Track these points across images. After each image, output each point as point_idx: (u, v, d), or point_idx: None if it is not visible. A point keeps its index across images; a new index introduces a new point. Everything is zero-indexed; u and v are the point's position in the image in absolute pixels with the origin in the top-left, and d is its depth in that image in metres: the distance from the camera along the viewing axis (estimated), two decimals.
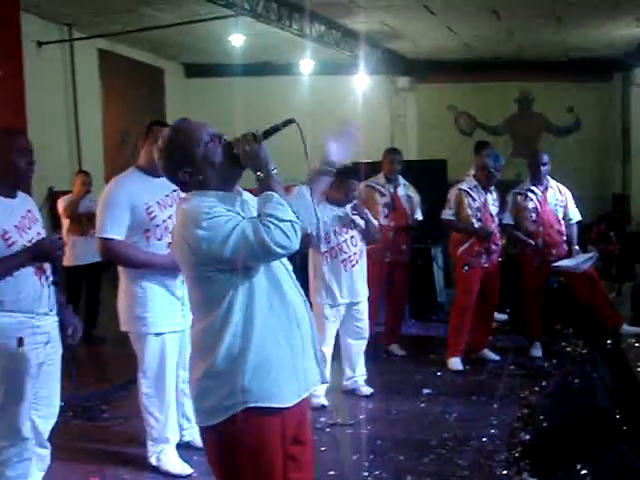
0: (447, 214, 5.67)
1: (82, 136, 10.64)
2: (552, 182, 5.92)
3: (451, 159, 9.03)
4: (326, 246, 4.79)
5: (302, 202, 2.29)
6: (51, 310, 3.08)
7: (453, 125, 14.09)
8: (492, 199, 5.71)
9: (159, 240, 3.56)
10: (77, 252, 6.52)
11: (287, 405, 2.14)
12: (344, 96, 12.07)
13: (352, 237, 4.86)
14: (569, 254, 5.84)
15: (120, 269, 3.70)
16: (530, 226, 5.82)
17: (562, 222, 5.87)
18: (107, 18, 9.74)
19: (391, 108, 14.08)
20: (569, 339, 6.30)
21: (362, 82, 12.35)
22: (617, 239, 8.69)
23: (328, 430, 4.37)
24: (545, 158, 5.82)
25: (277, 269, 2.19)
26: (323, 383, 2.37)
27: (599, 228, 9.01)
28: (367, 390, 5.02)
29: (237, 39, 10.11)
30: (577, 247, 5.92)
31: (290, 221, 2.05)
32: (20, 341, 2.94)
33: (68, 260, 6.43)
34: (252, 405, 2.09)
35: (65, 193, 6.96)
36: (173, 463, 3.73)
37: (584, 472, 3.10)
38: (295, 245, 2.06)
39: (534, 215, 5.81)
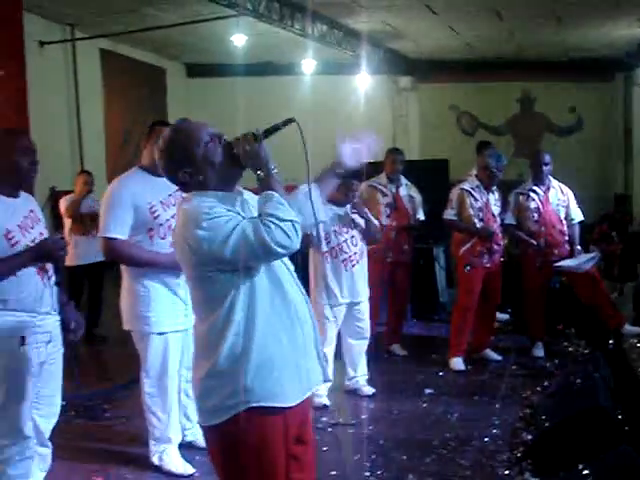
0: (449, 214, 5.67)
1: (84, 136, 10.65)
2: (554, 182, 5.91)
3: (453, 159, 9.04)
4: (326, 246, 4.79)
5: (305, 201, 2.29)
6: (54, 310, 3.09)
7: (455, 125, 14.08)
8: (494, 199, 5.71)
9: (162, 239, 3.57)
10: (79, 252, 6.52)
11: (290, 405, 2.14)
12: (346, 96, 12.08)
13: (352, 237, 4.86)
14: (571, 254, 5.84)
15: (123, 268, 3.71)
16: (532, 226, 5.82)
17: (564, 222, 5.87)
18: (109, 18, 9.75)
19: (393, 108, 14.08)
20: (571, 339, 6.30)
21: (364, 82, 12.35)
22: (619, 239, 8.69)
23: (330, 430, 4.37)
24: (547, 158, 5.82)
25: (278, 269, 2.19)
26: (326, 382, 2.37)
27: (601, 228, 9.01)
28: (369, 390, 5.02)
29: (239, 39, 10.12)
30: (579, 247, 5.92)
31: (291, 221, 2.05)
32: (22, 340, 2.94)
33: (70, 260, 6.43)
34: (255, 405, 2.09)
35: (67, 193, 6.97)
36: (175, 463, 3.73)
37: (586, 472, 3.10)
38: (296, 245, 2.06)
39: (536, 215, 5.81)
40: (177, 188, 2.30)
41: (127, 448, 4.07)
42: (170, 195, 3.56)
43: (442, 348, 5.91)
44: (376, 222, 5.08)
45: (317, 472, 2.38)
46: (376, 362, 5.42)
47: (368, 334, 5.04)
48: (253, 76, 12.61)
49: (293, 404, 2.15)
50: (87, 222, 6.56)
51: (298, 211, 2.17)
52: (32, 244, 2.98)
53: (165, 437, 3.75)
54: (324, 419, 4.51)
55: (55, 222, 7.47)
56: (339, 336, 4.98)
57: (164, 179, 2.30)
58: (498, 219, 5.73)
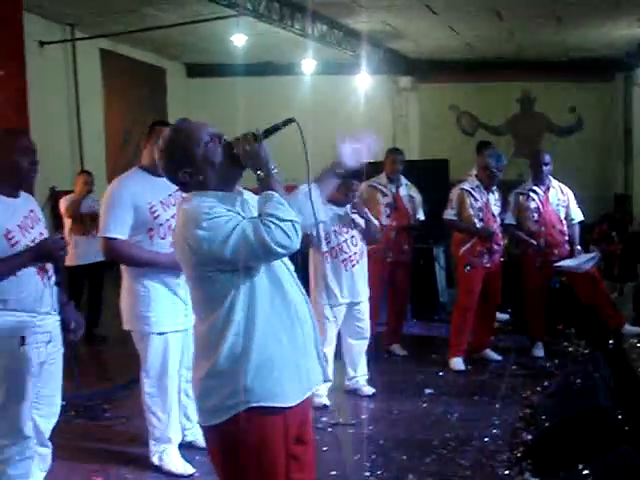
0: (449, 214, 5.67)
1: (84, 136, 10.65)
2: (554, 182, 5.91)
3: (453, 159, 9.04)
4: (326, 246, 4.79)
5: (305, 201, 2.30)
6: (54, 310, 3.09)
7: (455, 125, 14.09)
8: (494, 199, 5.71)
9: (162, 239, 3.57)
10: (79, 252, 6.52)
11: (290, 405, 2.14)
12: (346, 96, 12.08)
13: (352, 237, 4.86)
14: (571, 254, 5.84)
15: (123, 268, 3.71)
16: (532, 226, 5.82)
17: (564, 222, 5.87)
18: (109, 18, 9.75)
19: (393, 108, 14.08)
20: (571, 339, 6.30)
21: (364, 82, 12.35)
22: (619, 239, 8.69)
23: (330, 430, 4.37)
24: (547, 158, 5.82)
25: (278, 269, 2.19)
26: (326, 382, 2.37)
27: (601, 228, 9.01)
28: (369, 390, 5.02)
29: (239, 39, 10.12)
30: (579, 247, 5.92)
31: (291, 220, 2.05)
32: (22, 340, 2.94)
33: (70, 260, 6.42)
34: (255, 405, 2.09)
35: (67, 193, 6.97)
36: (175, 463, 3.73)
37: (586, 472, 3.11)
38: (296, 244, 2.06)
39: (536, 215, 5.81)
40: (177, 188, 2.30)
41: (127, 448, 4.07)
42: (170, 195, 3.57)
43: (442, 348, 5.91)
44: (376, 222, 5.08)
45: (317, 472, 2.38)
46: (376, 362, 5.42)
47: (368, 334, 5.04)
48: (253, 76, 12.62)
49: (293, 404, 2.15)
50: (87, 222, 6.56)
51: (298, 211, 2.17)
52: (32, 244, 2.98)
53: (165, 437, 3.75)
54: (324, 419, 4.51)
55: (55, 222, 7.47)
56: (339, 336, 4.98)
57: (164, 179, 2.30)
58: (498, 219, 5.73)
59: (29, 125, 6.68)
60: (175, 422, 3.79)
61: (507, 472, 3.70)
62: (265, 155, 2.15)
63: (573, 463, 3.24)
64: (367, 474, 3.73)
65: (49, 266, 3.06)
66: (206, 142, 2.17)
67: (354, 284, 4.86)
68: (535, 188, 5.84)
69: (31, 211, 3.11)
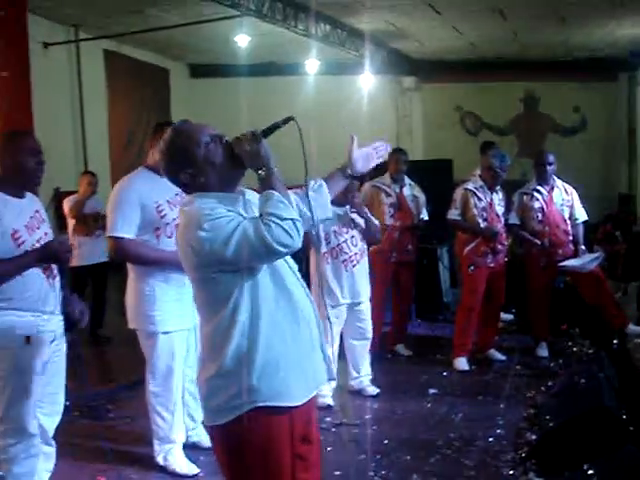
0: (453, 214, 5.67)
1: (88, 136, 10.67)
2: (558, 182, 5.91)
3: (457, 159, 9.04)
4: (326, 246, 4.78)
5: (316, 198, 2.33)
6: (58, 310, 3.10)
7: (459, 125, 14.08)
8: (498, 199, 5.71)
9: (169, 238, 3.57)
10: (83, 252, 6.53)
11: (296, 404, 2.14)
12: (350, 96, 12.09)
13: (352, 237, 4.85)
14: (575, 254, 5.82)
15: (129, 267, 3.71)
16: (536, 226, 5.81)
17: (568, 222, 5.86)
18: (113, 19, 9.77)
19: (397, 108, 14.08)
20: (575, 339, 6.29)
21: (368, 82, 12.35)
22: (623, 239, 8.66)
23: (334, 430, 4.37)
24: (551, 158, 5.81)
25: (282, 268, 2.19)
26: (331, 380, 2.37)
27: (605, 228, 8.98)
28: (373, 390, 5.02)
29: (242, 39, 10.13)
30: (583, 247, 5.90)
31: (292, 219, 2.04)
32: (26, 340, 2.95)
33: (74, 260, 6.44)
34: (261, 404, 2.09)
35: (71, 193, 6.97)
36: (180, 463, 3.74)
37: (591, 472, 3.10)
38: (297, 243, 2.06)
39: (540, 215, 5.80)
40: None
41: (132, 448, 4.07)
42: (177, 194, 3.56)
43: (446, 348, 5.91)
44: (376, 222, 5.06)
45: (321, 472, 2.38)
46: (380, 362, 5.43)
47: (370, 334, 5.03)
48: (256, 76, 12.63)
49: (299, 403, 2.15)
50: (90, 223, 6.57)
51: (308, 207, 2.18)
52: (37, 244, 3.00)
53: (169, 437, 3.75)
54: (328, 419, 4.51)
55: (59, 222, 7.48)
56: (341, 337, 4.97)
57: None
58: (502, 219, 5.73)
59: (33, 126, 6.69)
60: (179, 422, 3.79)
61: (511, 472, 3.70)
62: (266, 154, 2.14)
63: (578, 463, 3.24)
64: (371, 474, 3.73)
65: (54, 266, 3.07)
66: (207, 143, 2.17)
67: (355, 284, 4.84)
68: (539, 188, 5.83)
69: (36, 211, 3.12)
